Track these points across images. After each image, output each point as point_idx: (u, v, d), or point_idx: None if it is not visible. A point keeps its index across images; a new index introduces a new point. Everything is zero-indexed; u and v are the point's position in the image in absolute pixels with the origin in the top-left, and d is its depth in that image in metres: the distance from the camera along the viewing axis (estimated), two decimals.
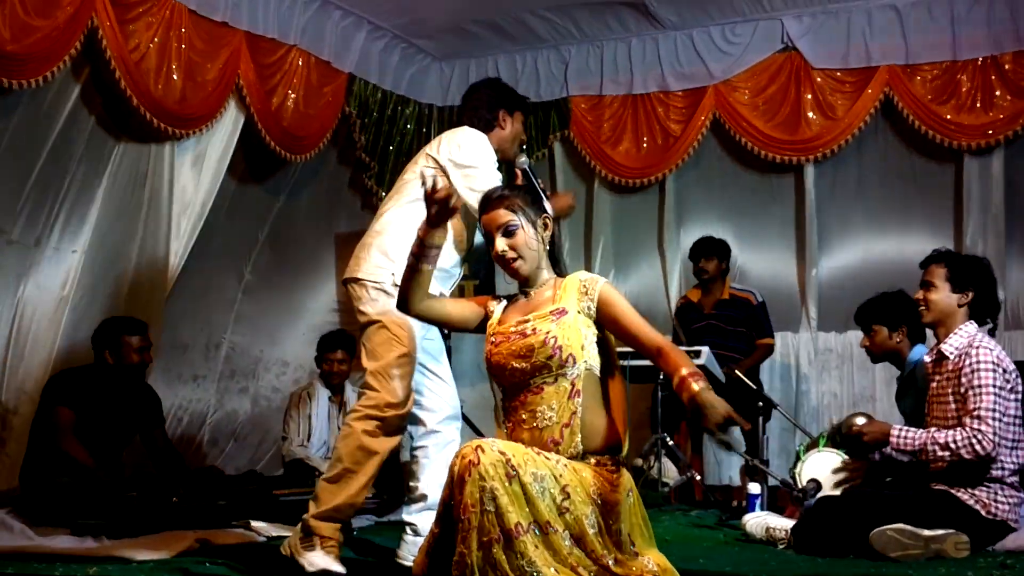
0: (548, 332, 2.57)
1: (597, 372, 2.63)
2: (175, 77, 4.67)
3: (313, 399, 5.14)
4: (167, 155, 4.91)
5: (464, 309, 2.83)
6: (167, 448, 4.57)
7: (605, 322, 2.64)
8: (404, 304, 2.79)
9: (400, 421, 3.40)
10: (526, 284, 2.76)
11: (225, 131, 5.11)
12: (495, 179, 3.45)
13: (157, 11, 4.56)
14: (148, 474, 4.45)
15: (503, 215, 2.71)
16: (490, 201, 2.77)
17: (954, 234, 5.72)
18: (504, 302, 2.80)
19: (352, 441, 3.32)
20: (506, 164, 3.77)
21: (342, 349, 5.21)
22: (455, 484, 2.36)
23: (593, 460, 2.57)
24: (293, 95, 5.44)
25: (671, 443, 4.94)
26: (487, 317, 2.79)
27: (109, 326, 4.36)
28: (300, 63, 5.47)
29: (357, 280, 3.46)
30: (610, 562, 2.43)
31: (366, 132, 6.15)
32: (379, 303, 3.40)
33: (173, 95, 4.67)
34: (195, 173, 5.06)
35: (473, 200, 3.25)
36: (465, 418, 6.40)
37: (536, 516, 2.34)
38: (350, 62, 5.87)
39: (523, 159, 3.71)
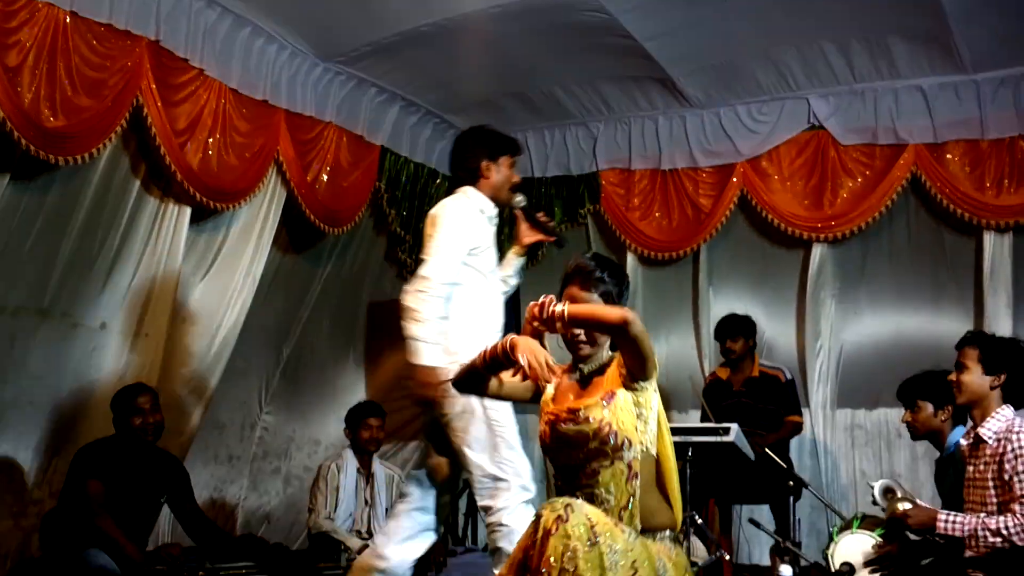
0: (602, 419, 2.59)
1: (653, 452, 2.64)
2: (217, 153, 4.79)
3: (341, 471, 5.14)
4: (215, 232, 5.05)
5: (523, 381, 2.80)
6: (202, 519, 4.55)
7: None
8: (472, 392, 2.85)
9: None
10: (583, 360, 2.77)
11: (268, 205, 5.24)
12: (448, 248, 3.56)
13: (201, 90, 4.70)
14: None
15: (579, 296, 2.71)
16: (573, 275, 2.76)
17: (974, 311, 5.70)
18: (558, 375, 2.80)
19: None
20: (507, 208, 3.88)
21: (376, 416, 5.26)
22: (540, 535, 2.38)
23: (653, 538, 2.59)
24: (329, 169, 5.57)
25: (700, 521, 4.88)
26: (540, 389, 2.81)
27: (123, 394, 4.40)
28: (335, 138, 5.60)
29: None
30: None
31: (396, 205, 6.25)
32: (458, 401, 3.47)
33: (215, 171, 4.79)
34: (242, 249, 5.16)
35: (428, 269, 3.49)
36: None
37: None
38: (382, 136, 6.01)
39: (519, 199, 3.83)
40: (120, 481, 4.22)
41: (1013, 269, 5.57)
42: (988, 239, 5.60)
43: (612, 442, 2.58)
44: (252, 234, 5.21)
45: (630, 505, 2.57)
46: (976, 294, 5.70)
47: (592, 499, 2.58)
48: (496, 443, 3.52)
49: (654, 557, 2.50)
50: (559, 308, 2.56)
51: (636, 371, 2.62)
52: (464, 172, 3.78)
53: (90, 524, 4.07)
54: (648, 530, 2.59)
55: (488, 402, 3.48)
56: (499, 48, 5.50)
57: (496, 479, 3.52)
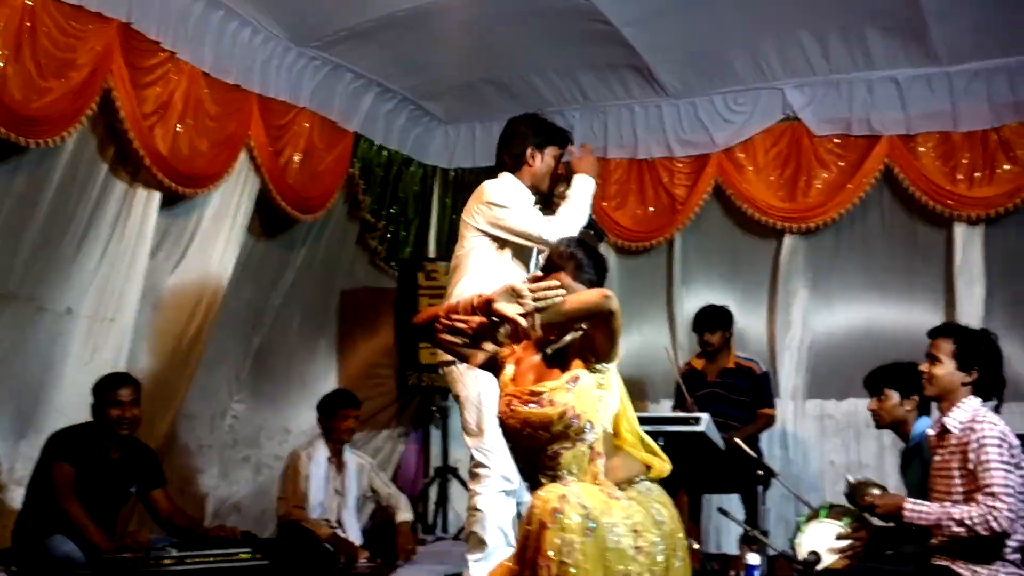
0: (566, 403, 2.59)
1: (610, 429, 2.67)
2: (188, 137, 4.74)
3: (312, 460, 5.10)
4: (187, 218, 5.02)
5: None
6: (174, 509, 4.52)
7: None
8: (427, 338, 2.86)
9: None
10: (548, 342, 2.76)
11: (241, 192, 5.21)
12: (529, 215, 3.64)
13: (172, 74, 4.65)
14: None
15: (570, 285, 2.71)
16: (566, 262, 2.77)
17: (945, 302, 5.74)
18: (517, 353, 2.80)
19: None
20: (544, 197, 3.93)
21: (352, 407, 5.25)
22: (536, 528, 2.40)
23: (632, 487, 2.63)
24: (302, 155, 5.53)
25: None
26: (498, 361, 2.81)
27: (105, 382, 4.34)
28: (308, 124, 5.56)
29: (447, 364, 3.68)
30: None
31: (370, 192, 6.22)
32: (468, 381, 3.63)
33: (185, 155, 4.73)
34: (215, 236, 5.13)
35: (522, 240, 3.60)
36: (459, 479, 6.43)
37: (607, 572, 2.40)
38: (356, 122, 5.97)
39: (562, 189, 3.88)
40: (90, 468, 4.18)
41: (985, 261, 5.61)
42: (959, 231, 5.65)
43: (575, 425, 2.58)
44: (225, 221, 5.16)
45: (598, 482, 2.60)
46: (947, 286, 5.75)
47: (557, 480, 2.59)
48: (483, 429, 3.63)
49: (647, 507, 2.56)
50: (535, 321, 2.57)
51: (603, 353, 2.63)
52: (509, 157, 3.83)
53: (56, 508, 4.03)
54: (621, 484, 2.62)
55: (482, 388, 3.59)
56: (476, 34, 5.49)
57: (479, 464, 3.65)
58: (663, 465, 2.74)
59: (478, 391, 3.63)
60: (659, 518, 2.56)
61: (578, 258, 2.77)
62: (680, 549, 2.60)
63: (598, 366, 2.64)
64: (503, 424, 2.71)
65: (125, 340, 4.73)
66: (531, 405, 2.62)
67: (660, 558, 2.50)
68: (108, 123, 4.49)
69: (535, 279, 2.77)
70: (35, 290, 4.48)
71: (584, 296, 2.62)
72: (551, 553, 2.34)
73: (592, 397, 2.61)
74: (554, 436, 2.59)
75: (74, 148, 4.40)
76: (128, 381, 4.32)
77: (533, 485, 2.66)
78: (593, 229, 3.93)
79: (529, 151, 3.80)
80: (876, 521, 3.74)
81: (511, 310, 2.60)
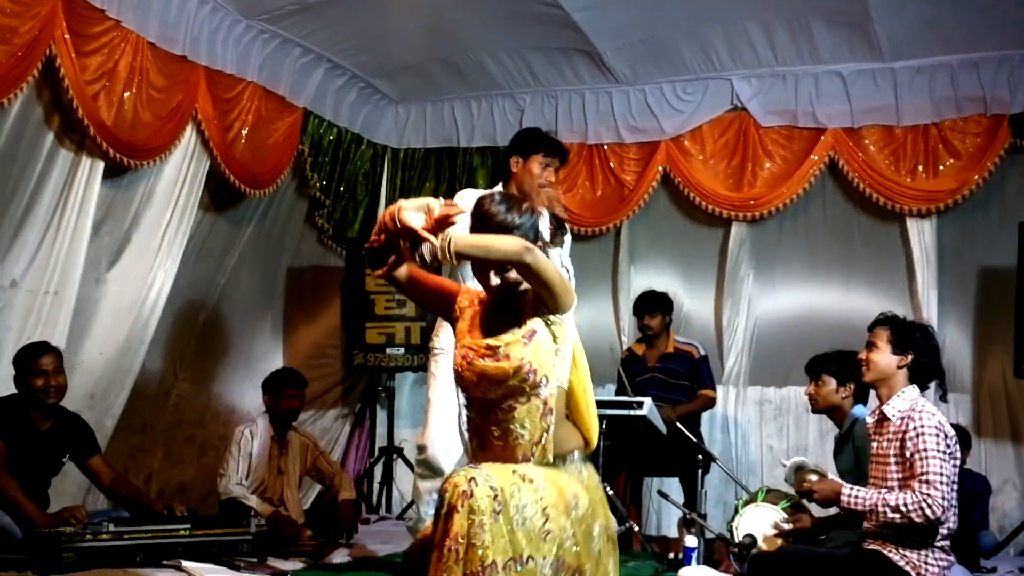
0: (523, 358, 2.56)
1: (565, 386, 2.65)
2: (132, 107, 4.66)
3: (255, 438, 5.06)
4: (133, 191, 4.93)
5: (439, 292, 2.80)
6: (117, 476, 4.46)
7: None
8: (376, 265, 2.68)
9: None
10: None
11: (189, 167, 5.13)
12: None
13: (117, 42, 4.56)
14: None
15: None
16: (488, 223, 2.66)
17: (887, 291, 5.86)
18: (476, 304, 2.76)
19: None
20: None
21: (297, 387, 5.21)
22: (445, 511, 2.38)
23: (564, 463, 2.61)
24: (250, 130, 5.46)
25: (610, 493, 4.96)
26: (454, 309, 2.77)
27: (25, 352, 4.25)
28: (257, 98, 5.49)
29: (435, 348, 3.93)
30: None
31: (318, 170, 6.17)
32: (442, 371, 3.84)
33: (129, 126, 4.65)
34: (164, 210, 5.05)
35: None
36: (404, 459, 6.43)
37: (515, 551, 2.38)
38: (305, 98, 5.92)
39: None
40: (20, 441, 4.11)
41: (933, 252, 5.73)
42: (912, 225, 5.76)
43: (531, 380, 2.57)
44: (175, 195, 5.09)
45: (543, 440, 2.58)
46: (894, 276, 5.87)
47: (507, 433, 2.58)
48: (429, 421, 3.87)
49: (565, 491, 2.52)
50: (447, 242, 2.46)
51: (550, 305, 2.60)
52: (503, 167, 4.04)
53: None
54: (559, 456, 2.61)
55: (436, 382, 3.84)
56: (428, 11, 5.45)
57: (419, 446, 3.90)
58: (593, 439, 2.72)
59: (429, 385, 3.87)
60: (574, 504, 2.53)
61: (505, 223, 2.65)
62: (600, 538, 2.57)
63: (551, 318, 2.62)
64: (458, 375, 2.66)
65: (67, 314, 4.63)
66: (487, 359, 2.59)
67: (568, 543, 2.48)
68: (53, 92, 4.40)
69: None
70: None
71: (502, 241, 2.56)
72: (460, 536, 2.34)
73: (548, 352, 2.59)
74: (510, 390, 2.57)
75: (16, 117, 4.30)
76: (48, 349, 4.24)
77: (482, 439, 2.64)
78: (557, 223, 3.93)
79: (513, 159, 3.96)
80: (813, 507, 3.83)
81: (415, 221, 2.50)
